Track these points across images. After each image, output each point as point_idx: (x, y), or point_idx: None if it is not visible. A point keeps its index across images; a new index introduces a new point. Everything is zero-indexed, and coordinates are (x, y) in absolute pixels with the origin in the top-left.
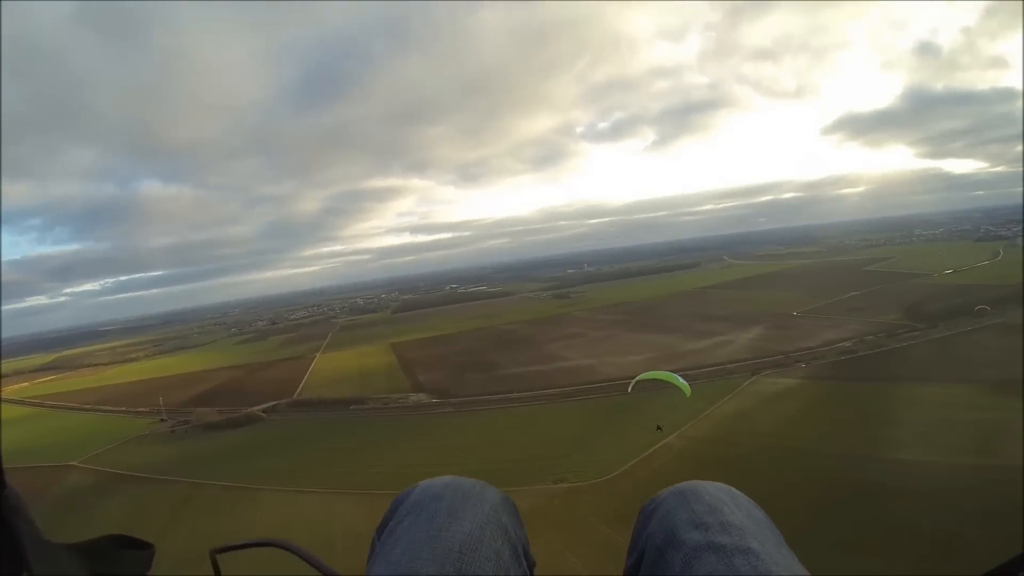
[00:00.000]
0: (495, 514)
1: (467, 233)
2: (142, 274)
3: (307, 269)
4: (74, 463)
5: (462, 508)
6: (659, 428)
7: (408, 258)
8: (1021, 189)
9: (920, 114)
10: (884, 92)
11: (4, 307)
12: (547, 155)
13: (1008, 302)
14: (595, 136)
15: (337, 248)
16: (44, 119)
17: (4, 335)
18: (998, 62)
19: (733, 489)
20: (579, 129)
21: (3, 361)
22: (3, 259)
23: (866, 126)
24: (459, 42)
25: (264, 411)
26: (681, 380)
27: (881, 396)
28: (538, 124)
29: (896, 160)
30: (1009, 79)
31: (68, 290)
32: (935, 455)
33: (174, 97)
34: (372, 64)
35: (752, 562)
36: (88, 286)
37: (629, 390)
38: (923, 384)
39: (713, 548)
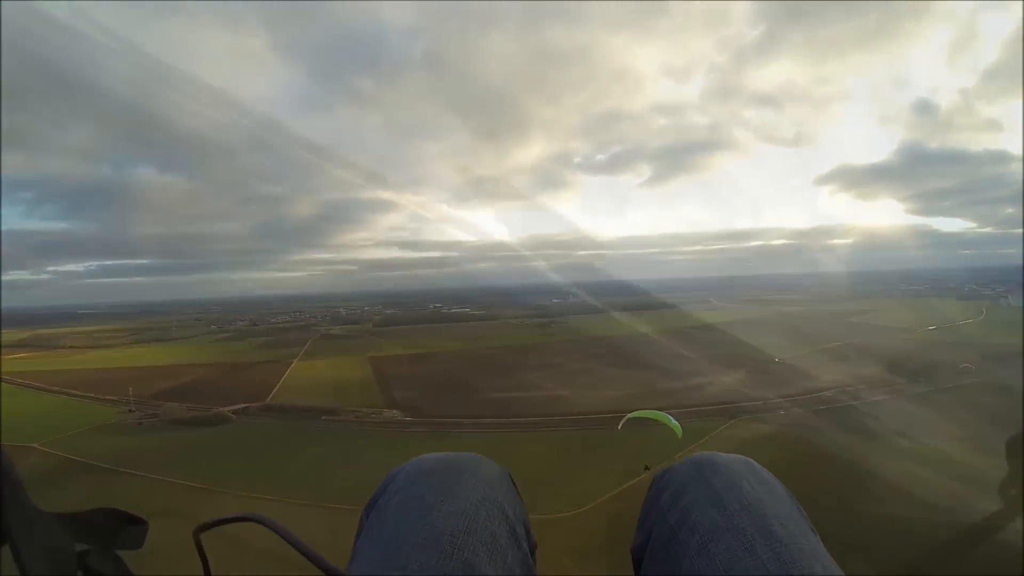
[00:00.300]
0: (491, 491)
1: (455, 254)
2: (127, 261)
3: (293, 274)
4: (35, 445)
5: (456, 485)
6: (647, 468)
7: (395, 273)
8: (1008, 251)
9: (913, 170)
10: (880, 147)
11: None
12: (542, 182)
13: (991, 361)
14: (592, 168)
15: (325, 256)
16: (46, 91)
17: None
18: (993, 125)
19: (753, 462)
20: (576, 159)
21: None
22: None
23: (860, 179)
24: (467, 61)
25: (234, 412)
26: (673, 421)
27: (858, 448)
28: (536, 151)
29: (886, 214)
30: (1002, 142)
31: (52, 268)
32: (908, 510)
33: (179, 85)
34: (377, 73)
35: (774, 547)
36: (72, 266)
37: (619, 428)
38: (901, 438)
39: (732, 530)
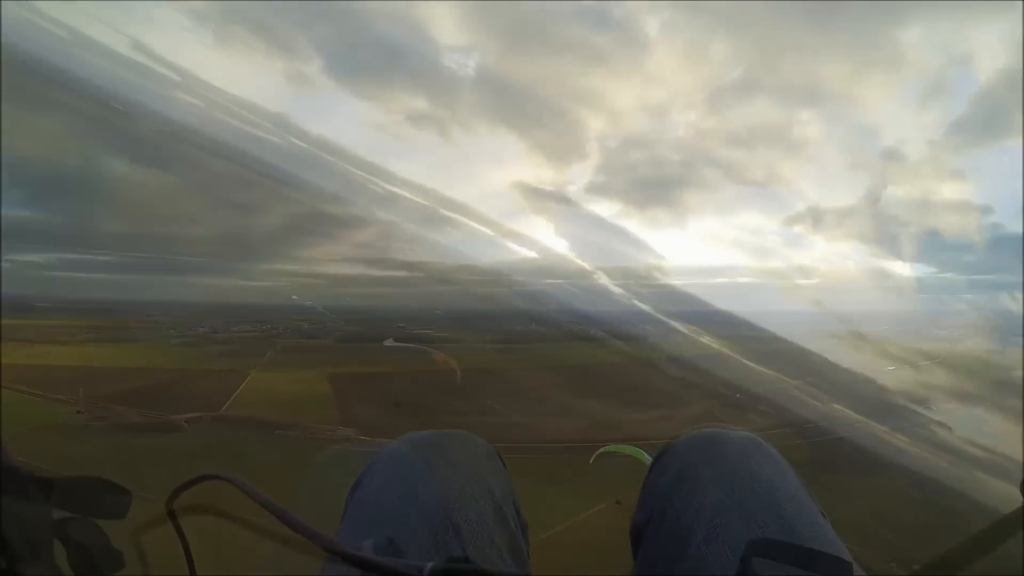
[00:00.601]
0: (477, 469)
1: (422, 274)
2: (90, 256)
3: (259, 283)
4: None
5: (440, 463)
6: (618, 503)
7: (360, 290)
8: (967, 296)
9: (879, 215)
10: (848, 191)
11: None
12: (514, 209)
13: (954, 401)
14: (564, 197)
15: (292, 268)
16: (20, 75)
17: None
18: (957, 174)
19: (761, 440)
20: (548, 188)
21: None
22: None
23: (826, 221)
24: (449, 79)
25: (187, 421)
26: (647, 457)
27: (823, 486)
28: (509, 177)
29: (850, 257)
30: (965, 192)
31: (11, 257)
32: (867, 547)
33: (166, 78)
34: (365, 82)
35: (786, 531)
36: (32, 257)
37: (591, 461)
38: (862, 477)
39: (742, 514)
